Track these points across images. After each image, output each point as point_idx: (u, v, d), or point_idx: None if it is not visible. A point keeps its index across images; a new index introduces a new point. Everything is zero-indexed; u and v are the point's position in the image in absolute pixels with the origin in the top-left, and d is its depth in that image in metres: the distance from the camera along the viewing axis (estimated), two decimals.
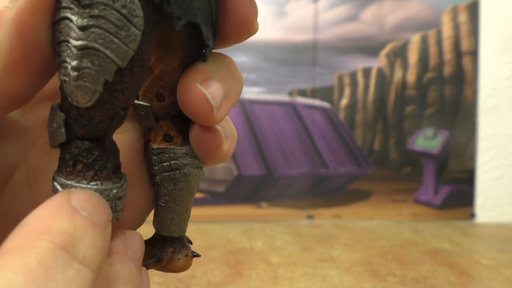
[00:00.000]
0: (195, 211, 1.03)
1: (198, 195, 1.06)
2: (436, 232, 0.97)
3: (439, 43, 1.07)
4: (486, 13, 1.06)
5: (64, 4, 0.13)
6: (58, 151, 0.14)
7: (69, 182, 0.13)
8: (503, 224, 1.05)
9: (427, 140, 1.08)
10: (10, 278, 0.10)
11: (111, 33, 0.12)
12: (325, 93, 1.08)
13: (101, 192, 0.13)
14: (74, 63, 0.13)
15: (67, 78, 0.13)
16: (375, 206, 1.09)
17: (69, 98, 0.13)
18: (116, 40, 0.12)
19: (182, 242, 0.19)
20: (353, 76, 1.08)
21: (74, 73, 0.13)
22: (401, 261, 0.78)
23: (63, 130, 0.13)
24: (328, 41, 1.06)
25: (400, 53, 1.07)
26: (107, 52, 0.12)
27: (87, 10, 0.12)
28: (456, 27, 1.07)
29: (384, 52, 1.07)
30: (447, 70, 1.08)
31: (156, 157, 0.17)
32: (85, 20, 0.12)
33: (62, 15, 0.13)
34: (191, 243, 0.19)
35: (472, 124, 1.08)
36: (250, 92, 1.06)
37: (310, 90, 1.07)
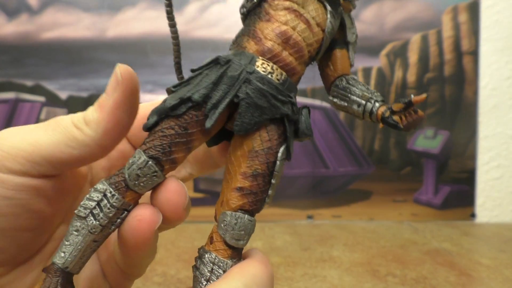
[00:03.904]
0: (195, 211, 1.03)
1: (198, 195, 1.06)
2: (436, 232, 0.97)
3: (439, 43, 1.07)
4: (486, 13, 1.06)
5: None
6: None
7: None
8: (503, 224, 1.05)
9: (427, 140, 1.08)
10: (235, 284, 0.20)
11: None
12: (325, 93, 1.07)
13: None
14: None
15: None
16: (375, 206, 1.08)
17: None
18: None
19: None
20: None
21: None
22: (401, 261, 0.78)
23: None
24: None
25: (400, 53, 1.07)
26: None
27: None
28: (456, 27, 1.07)
29: (384, 52, 1.07)
30: (447, 70, 1.07)
31: None
32: None
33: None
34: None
35: (472, 124, 1.07)
36: None
37: (310, 90, 1.07)
